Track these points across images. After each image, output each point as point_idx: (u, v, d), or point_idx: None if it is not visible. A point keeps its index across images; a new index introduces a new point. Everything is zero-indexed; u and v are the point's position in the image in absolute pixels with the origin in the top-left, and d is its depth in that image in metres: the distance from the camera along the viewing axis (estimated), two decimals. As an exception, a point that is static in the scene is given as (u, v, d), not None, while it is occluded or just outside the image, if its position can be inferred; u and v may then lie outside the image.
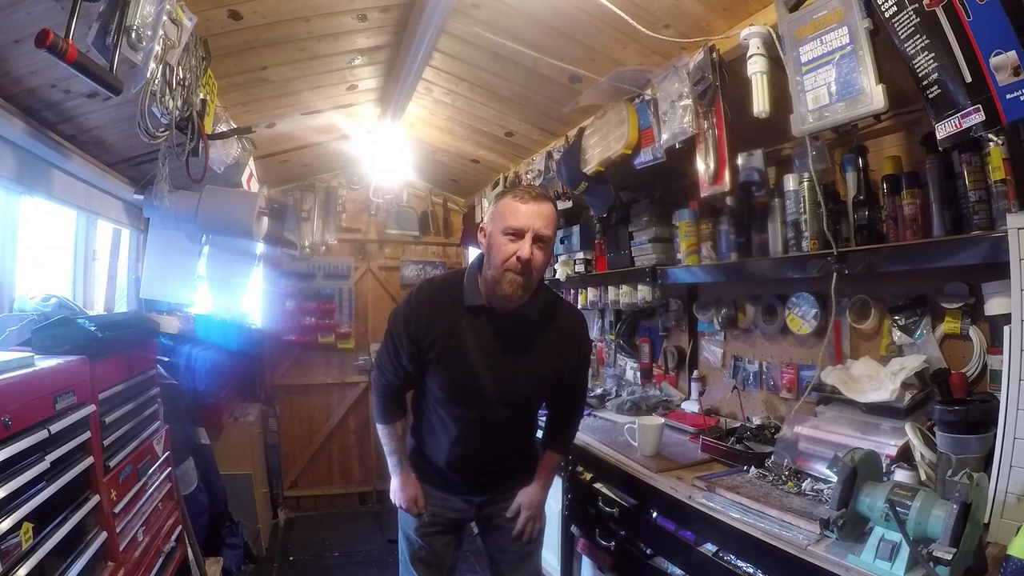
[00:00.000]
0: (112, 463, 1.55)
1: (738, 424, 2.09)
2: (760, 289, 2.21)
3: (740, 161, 1.94)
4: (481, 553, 1.84)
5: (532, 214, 1.43)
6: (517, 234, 1.43)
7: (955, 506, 1.03)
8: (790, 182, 1.84)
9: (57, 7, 1.33)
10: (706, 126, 1.88)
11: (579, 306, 2.96)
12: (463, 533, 1.80)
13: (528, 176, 3.17)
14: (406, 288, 4.50)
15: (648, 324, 2.96)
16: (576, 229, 3.11)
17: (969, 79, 1.17)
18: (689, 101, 1.90)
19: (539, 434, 1.84)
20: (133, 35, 1.26)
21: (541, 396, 1.70)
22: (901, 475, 1.37)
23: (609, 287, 2.83)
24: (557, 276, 3.22)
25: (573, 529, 2.25)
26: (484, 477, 1.68)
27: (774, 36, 1.60)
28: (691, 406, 2.45)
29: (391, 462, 1.72)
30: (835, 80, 1.44)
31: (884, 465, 1.40)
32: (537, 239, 1.43)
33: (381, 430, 1.72)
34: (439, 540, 1.72)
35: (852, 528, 1.22)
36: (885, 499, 1.15)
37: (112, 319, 1.86)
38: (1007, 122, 1.14)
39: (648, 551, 1.86)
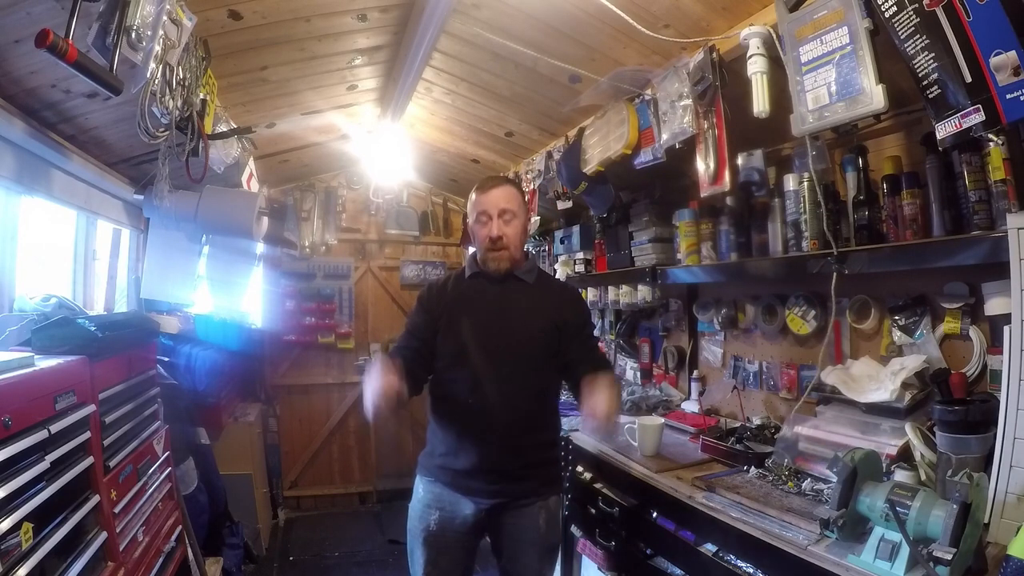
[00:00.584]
0: (112, 463, 1.55)
1: (738, 424, 2.09)
2: (760, 289, 2.21)
3: (740, 161, 1.94)
4: (481, 553, 1.81)
5: (492, 197, 1.68)
6: (486, 216, 1.68)
7: (955, 506, 1.03)
8: (790, 182, 1.83)
9: (57, 7, 1.33)
10: (706, 126, 1.88)
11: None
12: (473, 553, 1.73)
13: (528, 176, 3.17)
14: (406, 288, 4.51)
15: (648, 324, 2.96)
16: (576, 229, 3.11)
17: (969, 79, 1.17)
18: (689, 101, 1.90)
19: (549, 445, 1.81)
20: (133, 35, 1.26)
21: (544, 350, 1.66)
22: (901, 475, 1.37)
23: (609, 287, 2.83)
24: (557, 276, 3.22)
25: (573, 529, 2.25)
26: (493, 461, 1.62)
27: (774, 36, 1.60)
28: (691, 406, 2.45)
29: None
30: (835, 80, 1.44)
31: (884, 465, 1.40)
32: (501, 214, 1.67)
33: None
34: (445, 558, 1.67)
35: (852, 528, 1.22)
36: (885, 499, 1.15)
37: (112, 319, 1.86)
38: (1007, 122, 1.14)
39: (648, 551, 1.86)
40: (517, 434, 1.64)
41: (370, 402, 1.41)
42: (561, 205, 2.94)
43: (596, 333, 3.28)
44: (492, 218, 1.66)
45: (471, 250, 1.75)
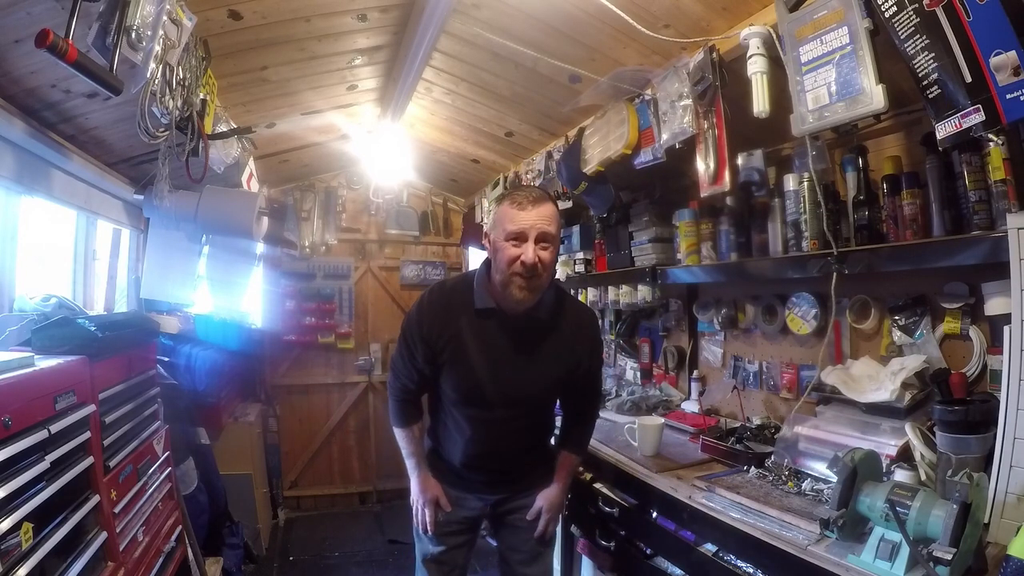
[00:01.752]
0: (112, 463, 1.55)
1: (738, 424, 2.09)
2: (760, 289, 2.21)
3: (740, 161, 1.94)
4: (480, 553, 1.84)
5: (534, 216, 1.43)
6: (519, 238, 1.43)
7: (955, 506, 1.03)
8: (790, 182, 1.83)
9: (57, 7, 1.33)
10: (706, 126, 1.88)
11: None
12: (476, 534, 1.81)
13: (528, 176, 3.17)
14: (406, 288, 4.51)
15: (648, 324, 2.96)
16: (576, 229, 3.11)
17: (969, 79, 1.17)
18: (689, 101, 1.90)
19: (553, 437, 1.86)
20: (133, 35, 1.26)
21: (555, 396, 1.72)
22: (901, 475, 1.37)
23: (609, 287, 2.83)
24: (557, 276, 3.21)
25: (573, 529, 2.25)
26: (499, 475, 1.70)
27: (774, 36, 1.60)
28: (691, 406, 2.45)
29: (410, 464, 1.73)
30: (835, 80, 1.44)
31: (884, 465, 1.40)
32: (540, 239, 1.43)
33: (398, 433, 1.73)
34: (453, 540, 1.73)
35: (852, 528, 1.22)
36: (885, 499, 1.15)
37: (112, 319, 1.86)
38: (1007, 122, 1.14)
39: (648, 551, 1.86)
40: (519, 457, 1.70)
41: (421, 519, 1.71)
42: (561, 205, 2.93)
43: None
44: (528, 240, 1.42)
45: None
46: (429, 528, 1.69)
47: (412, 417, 1.72)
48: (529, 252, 1.42)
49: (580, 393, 1.74)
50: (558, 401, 1.79)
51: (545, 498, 1.71)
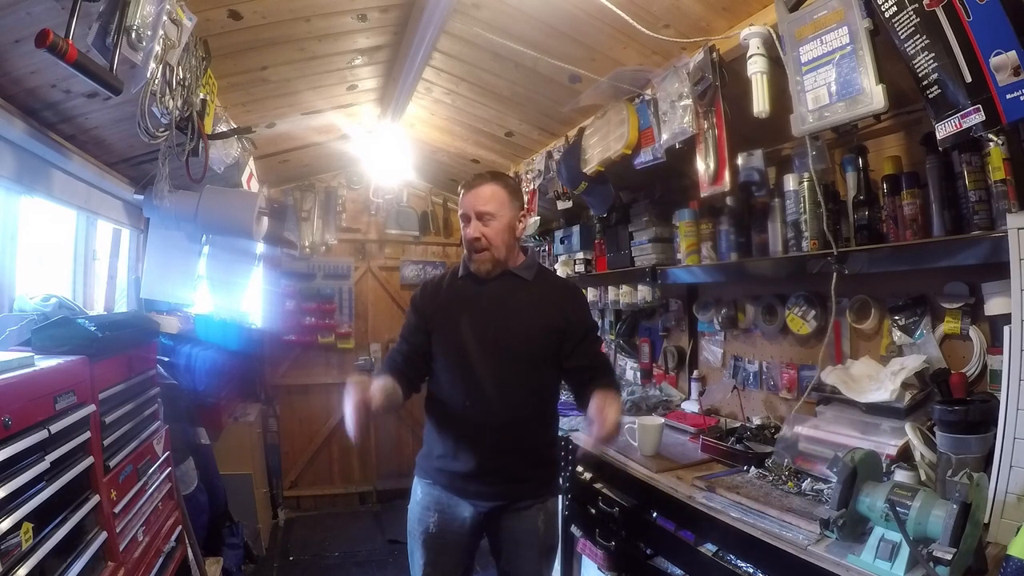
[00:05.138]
0: (112, 463, 1.55)
1: (738, 424, 2.09)
2: (760, 289, 2.21)
3: (740, 161, 1.94)
4: (484, 552, 1.80)
5: (471, 198, 1.65)
6: (466, 218, 1.66)
7: (955, 506, 1.03)
8: (790, 182, 1.84)
9: (57, 7, 1.33)
10: (706, 126, 1.88)
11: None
12: (473, 552, 1.73)
13: (528, 176, 3.17)
14: (406, 288, 4.50)
15: (648, 324, 2.96)
16: (576, 229, 3.11)
17: (969, 79, 1.17)
18: (689, 101, 1.90)
19: (550, 446, 1.79)
20: (133, 35, 1.26)
21: (541, 351, 1.63)
22: (901, 475, 1.37)
23: (609, 287, 2.84)
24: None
25: (573, 529, 2.25)
26: (493, 461, 1.60)
27: (774, 36, 1.60)
28: (691, 406, 2.45)
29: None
30: (835, 80, 1.44)
31: (884, 465, 1.40)
32: (479, 216, 1.63)
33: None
34: (444, 559, 1.67)
35: (852, 528, 1.22)
36: (885, 499, 1.15)
37: (112, 319, 1.86)
38: (1007, 122, 1.14)
39: (648, 551, 1.86)
40: (515, 435, 1.62)
41: (348, 422, 1.41)
42: (561, 205, 2.94)
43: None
44: (471, 219, 1.64)
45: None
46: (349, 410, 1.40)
47: (388, 375, 1.62)
48: (470, 229, 1.64)
49: (584, 363, 1.65)
50: (559, 399, 1.76)
51: (599, 415, 1.46)
